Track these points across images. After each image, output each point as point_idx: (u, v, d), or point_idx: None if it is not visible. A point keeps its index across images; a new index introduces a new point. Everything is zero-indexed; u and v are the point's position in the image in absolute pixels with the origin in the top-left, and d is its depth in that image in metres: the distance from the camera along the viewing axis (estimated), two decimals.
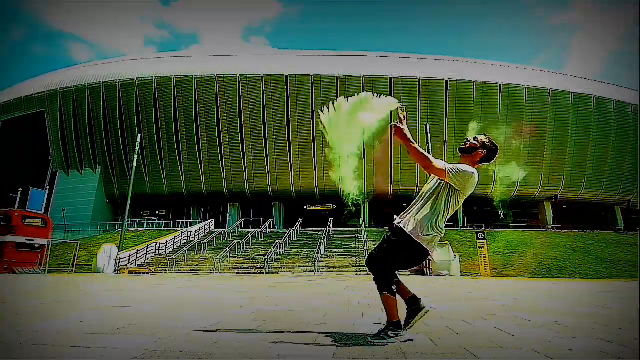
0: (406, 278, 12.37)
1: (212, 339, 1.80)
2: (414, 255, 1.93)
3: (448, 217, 1.93)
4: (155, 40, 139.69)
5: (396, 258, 1.93)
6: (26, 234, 17.21)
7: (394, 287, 1.91)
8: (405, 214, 1.99)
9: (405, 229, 1.89)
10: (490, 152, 2.00)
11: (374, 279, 1.94)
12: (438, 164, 1.84)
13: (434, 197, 1.92)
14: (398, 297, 1.94)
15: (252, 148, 28.53)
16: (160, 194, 30.65)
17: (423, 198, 1.97)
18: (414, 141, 1.86)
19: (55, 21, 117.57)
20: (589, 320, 2.59)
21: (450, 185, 1.87)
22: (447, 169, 1.84)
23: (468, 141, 2.03)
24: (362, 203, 29.80)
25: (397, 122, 1.93)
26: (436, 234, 1.88)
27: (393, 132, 1.92)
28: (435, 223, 1.88)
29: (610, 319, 2.70)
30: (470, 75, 27.31)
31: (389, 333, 1.86)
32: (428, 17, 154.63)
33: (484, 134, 2.04)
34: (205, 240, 21.21)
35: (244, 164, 28.86)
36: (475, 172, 1.90)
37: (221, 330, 2.07)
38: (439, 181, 1.94)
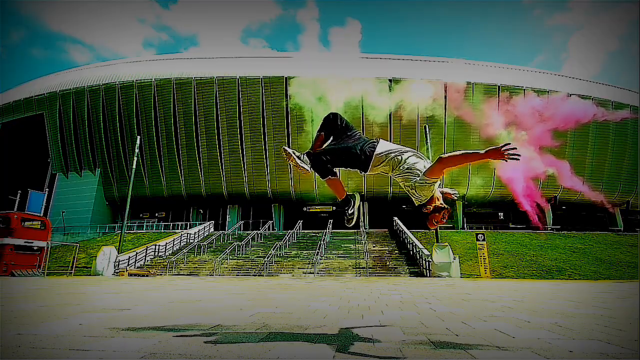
0: (406, 279, 12.35)
1: (212, 341, 1.79)
2: (357, 161, 2.06)
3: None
4: (154, 42, 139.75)
5: (341, 157, 2.07)
6: (25, 237, 17.18)
7: (334, 169, 2.08)
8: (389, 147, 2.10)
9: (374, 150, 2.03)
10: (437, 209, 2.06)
11: (316, 169, 2.09)
12: (440, 171, 1.90)
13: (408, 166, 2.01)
14: None
15: (251, 149, 28.55)
16: (159, 195, 30.64)
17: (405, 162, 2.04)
18: (470, 154, 1.86)
19: (55, 23, 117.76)
20: (589, 322, 2.59)
21: (407, 180, 2.00)
22: (436, 184, 1.95)
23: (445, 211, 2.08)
24: (361, 204, 29.79)
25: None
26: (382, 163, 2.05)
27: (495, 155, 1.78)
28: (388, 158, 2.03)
29: (610, 320, 2.70)
30: (469, 77, 27.39)
31: (347, 210, 2.16)
32: (426, 18, 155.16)
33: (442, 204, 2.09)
34: (204, 242, 21.18)
35: (244, 166, 28.88)
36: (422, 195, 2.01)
37: (220, 333, 2.06)
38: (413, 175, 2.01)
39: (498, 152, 1.74)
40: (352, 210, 2.18)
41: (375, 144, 2.09)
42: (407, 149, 2.09)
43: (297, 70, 27.31)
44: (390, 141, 2.14)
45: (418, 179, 1.96)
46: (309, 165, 2.09)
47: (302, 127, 27.64)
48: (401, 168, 2.03)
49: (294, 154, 2.10)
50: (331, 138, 2.17)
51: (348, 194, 2.22)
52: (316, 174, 2.13)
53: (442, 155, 1.87)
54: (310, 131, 27.05)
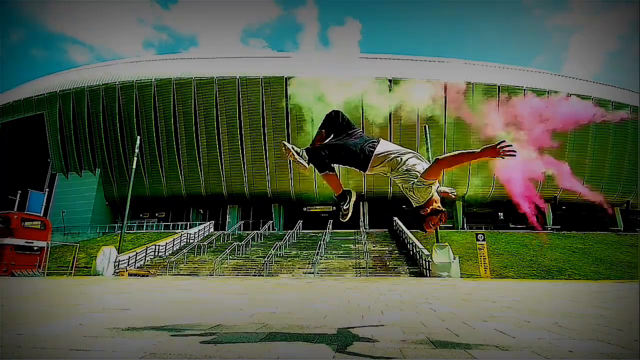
0: (406, 280, 12.36)
1: (212, 342, 1.79)
2: (356, 159, 2.08)
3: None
4: (154, 42, 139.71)
5: (340, 154, 2.10)
6: (25, 237, 17.20)
7: (333, 165, 2.13)
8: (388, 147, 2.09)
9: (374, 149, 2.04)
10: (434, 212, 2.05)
11: (314, 163, 2.13)
12: (439, 172, 1.92)
13: (407, 166, 2.01)
14: None
15: (251, 149, 28.54)
16: (159, 196, 30.63)
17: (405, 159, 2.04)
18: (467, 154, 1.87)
19: (55, 24, 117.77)
20: (589, 322, 2.59)
21: (409, 181, 1.99)
22: (434, 186, 1.97)
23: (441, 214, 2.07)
24: (361, 204, 29.80)
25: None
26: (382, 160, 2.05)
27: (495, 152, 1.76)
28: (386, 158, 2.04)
29: (610, 320, 2.70)
30: (469, 77, 27.37)
31: (343, 206, 2.23)
32: (426, 19, 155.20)
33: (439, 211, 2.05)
34: (204, 243, 21.18)
35: (244, 166, 28.87)
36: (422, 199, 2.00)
37: (220, 333, 2.06)
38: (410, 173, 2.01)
39: (494, 150, 1.75)
40: (348, 206, 2.23)
41: (376, 143, 2.08)
42: (407, 150, 2.08)
43: (296, 70, 27.25)
44: (391, 141, 2.14)
45: (416, 180, 1.95)
46: (307, 161, 2.10)
47: (302, 127, 27.61)
48: (400, 169, 2.03)
49: (293, 149, 2.13)
50: (332, 135, 2.17)
51: (345, 190, 2.26)
52: (316, 169, 2.14)
53: (439, 157, 1.88)
54: (310, 131, 27.03)
